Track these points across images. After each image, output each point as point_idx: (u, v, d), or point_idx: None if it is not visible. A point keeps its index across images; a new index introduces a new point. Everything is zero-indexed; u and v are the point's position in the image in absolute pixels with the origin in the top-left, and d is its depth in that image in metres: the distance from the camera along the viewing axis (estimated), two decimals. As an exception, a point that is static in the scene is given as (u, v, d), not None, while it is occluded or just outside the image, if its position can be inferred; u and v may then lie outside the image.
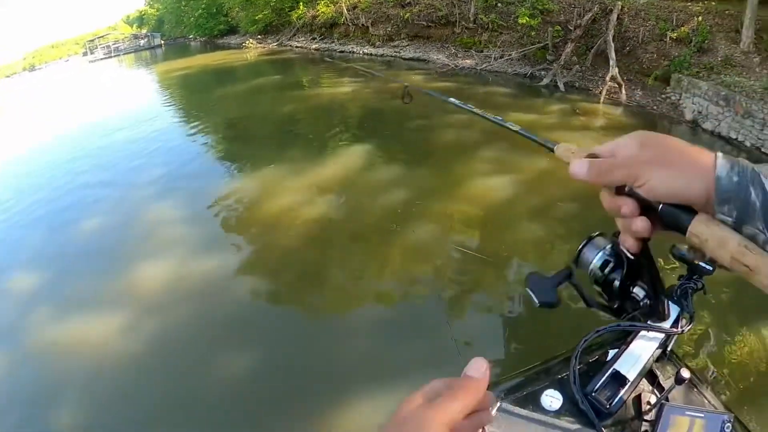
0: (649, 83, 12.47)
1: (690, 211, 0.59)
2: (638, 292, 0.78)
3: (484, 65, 16.35)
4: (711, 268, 1.83)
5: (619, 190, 0.65)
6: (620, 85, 12.20)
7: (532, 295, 0.82)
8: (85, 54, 50.02)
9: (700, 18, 12.62)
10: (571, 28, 14.58)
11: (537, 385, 1.54)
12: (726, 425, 1.30)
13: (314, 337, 4.90)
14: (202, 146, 11.66)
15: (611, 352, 1.61)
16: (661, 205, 0.61)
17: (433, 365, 4.12)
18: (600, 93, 12.31)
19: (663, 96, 11.90)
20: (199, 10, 37.22)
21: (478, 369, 0.54)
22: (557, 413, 1.45)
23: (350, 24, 23.25)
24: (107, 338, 5.10)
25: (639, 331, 1.63)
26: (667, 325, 1.59)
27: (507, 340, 4.75)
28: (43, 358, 5.06)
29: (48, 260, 7.04)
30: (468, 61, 17.14)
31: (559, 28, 15.00)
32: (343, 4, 23.10)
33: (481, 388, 0.53)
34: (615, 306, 0.83)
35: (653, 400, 1.51)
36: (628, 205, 0.63)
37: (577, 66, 14.03)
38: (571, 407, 1.46)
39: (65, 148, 13.12)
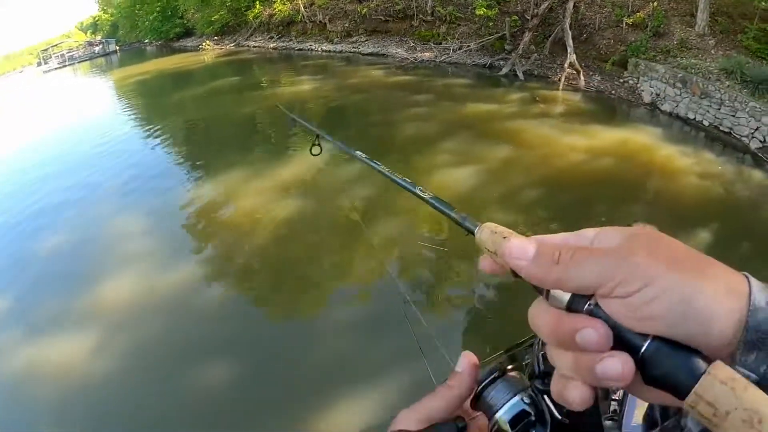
0: (606, 69, 12.47)
1: (698, 355, 0.32)
2: None
3: (443, 57, 16.19)
4: None
5: (573, 306, 0.37)
6: (578, 72, 12.17)
7: None
8: (39, 64, 48.31)
9: (655, 3, 12.71)
10: (528, 18, 14.49)
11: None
12: None
13: (286, 341, 4.76)
14: (162, 153, 11.22)
15: None
16: (648, 341, 0.34)
17: (399, 363, 3.95)
18: (559, 80, 12.25)
19: (621, 80, 11.91)
20: (153, 13, 36.38)
21: (461, 363, 0.50)
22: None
23: (307, 21, 22.88)
24: (77, 359, 4.82)
25: None
26: None
27: (471, 331, 4.62)
28: (9, 385, 4.76)
29: (8, 281, 6.58)
30: (427, 53, 16.96)
31: (516, 17, 14.95)
32: (300, 2, 22.73)
33: (464, 383, 0.49)
34: None
35: None
36: (598, 328, 0.35)
37: (536, 54, 13.97)
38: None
39: (21, 164, 12.43)
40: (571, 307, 0.36)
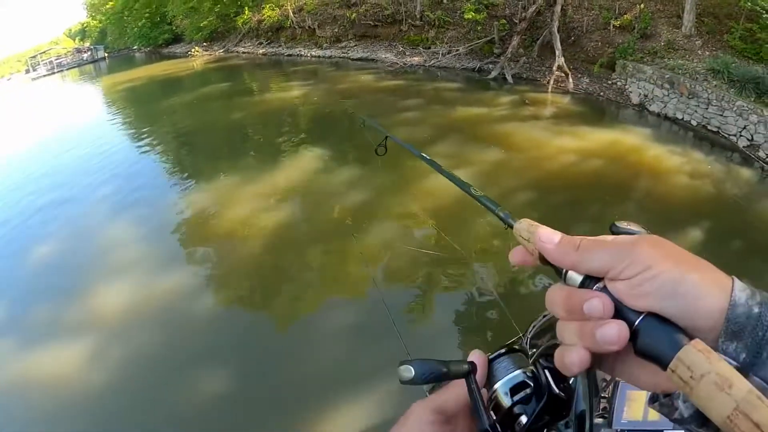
0: (595, 71, 12.55)
1: (682, 332, 0.38)
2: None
3: (432, 62, 16.23)
4: None
5: (585, 285, 0.45)
6: (567, 74, 12.25)
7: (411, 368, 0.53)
8: (27, 71, 47.90)
9: (642, 5, 12.79)
10: (517, 21, 14.57)
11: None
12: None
13: (281, 346, 4.74)
14: (153, 160, 11.11)
15: None
16: (642, 316, 0.40)
17: (390, 368, 3.87)
18: (547, 83, 12.33)
19: (609, 82, 11.99)
20: (142, 19, 36.29)
21: (471, 358, 0.56)
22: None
23: (297, 27, 22.87)
24: (70, 368, 4.74)
25: None
26: None
27: (460, 334, 4.64)
28: (6, 394, 4.67)
29: (0, 290, 6.48)
30: (416, 58, 16.99)
31: (505, 21, 15.01)
32: (289, 7, 22.73)
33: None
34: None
35: (608, 377, 1.45)
36: (603, 299, 0.42)
37: (524, 58, 14.04)
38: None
39: (11, 172, 12.31)
40: (583, 286, 0.44)
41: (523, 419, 0.54)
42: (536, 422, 0.54)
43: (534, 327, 1.65)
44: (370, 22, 19.28)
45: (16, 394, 4.62)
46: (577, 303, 0.43)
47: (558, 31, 13.04)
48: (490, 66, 14.45)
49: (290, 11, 22.65)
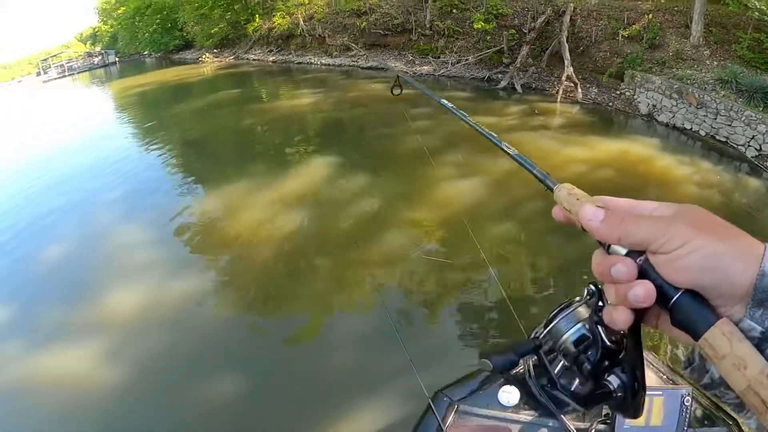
0: (603, 81, 12.67)
1: (712, 311, 0.45)
2: (613, 380, 0.62)
3: (441, 71, 16.39)
4: None
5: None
6: (576, 84, 12.36)
7: (489, 362, 0.70)
8: (38, 74, 48.42)
9: (650, 15, 12.90)
10: (526, 31, 14.74)
11: (493, 383, 1.56)
12: (686, 398, 1.36)
13: (292, 354, 4.77)
14: (164, 165, 11.17)
15: None
16: (679, 293, 0.46)
17: (400, 378, 3.89)
18: (556, 92, 12.45)
19: (618, 92, 12.10)
20: (153, 25, 36.69)
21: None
22: (516, 408, 1.47)
23: (307, 35, 23.09)
24: (81, 370, 4.77)
25: None
26: None
27: (463, 341, 4.69)
28: (12, 395, 4.69)
29: (12, 291, 6.51)
30: (426, 67, 17.16)
31: (514, 31, 15.15)
32: (299, 16, 22.96)
33: None
34: (583, 394, 0.67)
35: None
36: (625, 263, 0.49)
37: (533, 67, 14.17)
38: (529, 400, 1.49)
39: (22, 173, 12.40)
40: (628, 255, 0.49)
41: (587, 366, 0.65)
42: (598, 367, 0.64)
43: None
44: (380, 31, 19.46)
45: (27, 394, 4.65)
46: (607, 268, 0.49)
47: (567, 41, 13.19)
48: (499, 76, 14.59)
49: (301, 19, 22.87)
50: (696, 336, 0.45)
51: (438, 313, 5.15)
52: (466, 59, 16.02)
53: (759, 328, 0.43)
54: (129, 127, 16.40)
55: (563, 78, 12.44)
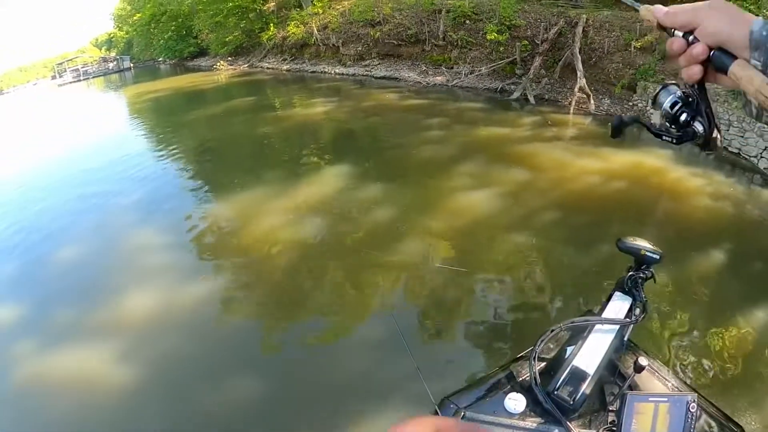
0: (616, 92, 12.77)
1: (733, 57, 0.74)
2: (698, 126, 0.90)
3: (455, 81, 16.55)
4: (657, 257, 1.83)
5: (684, 37, 0.79)
6: (588, 96, 12.47)
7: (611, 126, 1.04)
8: (53, 77, 49.26)
9: (662, 28, 12.97)
10: (538, 43, 14.89)
11: (499, 390, 1.58)
12: (691, 405, 1.34)
13: (308, 360, 4.78)
14: (180, 171, 11.38)
15: (569, 349, 1.66)
16: (713, 52, 0.75)
17: (408, 385, 3.87)
18: (569, 104, 12.58)
19: (630, 104, 12.20)
20: (168, 32, 37.19)
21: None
22: (522, 415, 1.49)
23: (321, 44, 23.37)
24: (98, 371, 4.81)
25: (594, 326, 1.70)
26: (621, 316, 1.73)
27: (469, 349, 4.75)
28: (27, 397, 4.71)
29: (26, 292, 6.58)
30: (439, 77, 17.34)
31: (527, 42, 15.31)
32: (314, 25, 23.23)
33: None
34: (678, 134, 0.95)
35: (616, 390, 1.55)
36: (674, 40, 0.79)
37: (546, 79, 14.31)
38: (535, 407, 1.51)
39: (37, 175, 12.65)
40: (685, 38, 0.78)
41: (682, 118, 0.91)
42: (687, 119, 0.91)
43: (543, 341, 1.68)
44: (394, 42, 19.66)
45: (41, 395, 4.67)
46: (671, 45, 0.80)
47: (579, 53, 13.31)
48: (512, 86, 14.73)
49: (315, 29, 23.14)
50: (725, 72, 0.74)
51: (449, 321, 5.21)
52: (479, 70, 16.19)
53: (759, 64, 0.71)
54: (145, 132, 16.66)
55: (576, 89, 12.56)
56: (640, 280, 1.84)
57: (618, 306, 1.79)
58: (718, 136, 0.94)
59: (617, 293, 1.86)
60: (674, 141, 0.97)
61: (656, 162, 8.93)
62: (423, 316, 5.24)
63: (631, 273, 1.87)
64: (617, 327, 1.69)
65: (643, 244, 1.87)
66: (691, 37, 0.77)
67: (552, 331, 1.68)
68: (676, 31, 0.80)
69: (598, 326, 1.69)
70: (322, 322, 5.40)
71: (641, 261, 1.88)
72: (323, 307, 5.58)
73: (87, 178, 11.43)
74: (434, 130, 11.21)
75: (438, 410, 1.54)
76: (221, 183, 10.05)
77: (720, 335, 4.44)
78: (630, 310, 1.76)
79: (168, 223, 8.17)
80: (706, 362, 4.13)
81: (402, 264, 6.10)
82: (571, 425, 1.44)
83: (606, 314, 1.75)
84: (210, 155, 12.60)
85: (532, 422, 1.46)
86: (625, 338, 1.73)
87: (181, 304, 5.80)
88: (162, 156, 12.60)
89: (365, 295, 5.77)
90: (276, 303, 5.77)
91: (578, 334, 1.72)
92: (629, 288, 1.83)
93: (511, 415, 1.48)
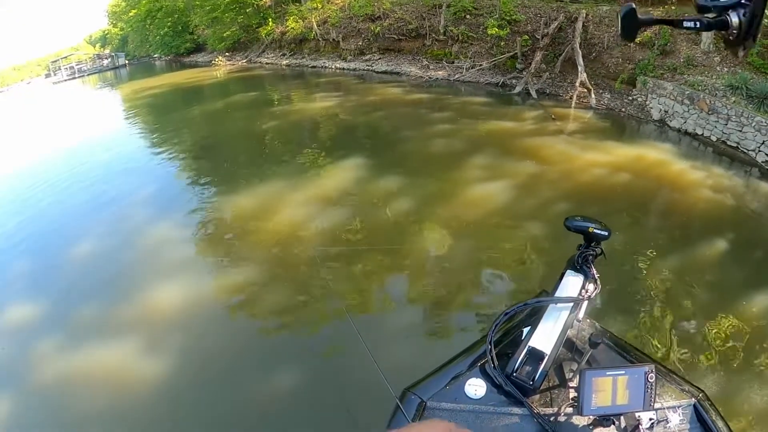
0: (616, 87, 13.03)
1: None
2: (733, 17, 0.86)
3: (456, 76, 16.77)
4: (606, 234, 1.93)
5: None
6: (589, 90, 12.72)
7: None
8: (48, 75, 48.69)
9: (660, 23, 13.20)
10: (539, 37, 15.10)
11: (459, 377, 1.58)
12: (649, 375, 1.36)
13: (338, 352, 4.74)
14: (190, 166, 11.40)
15: (525, 331, 1.69)
16: None
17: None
18: (570, 98, 12.83)
19: (630, 98, 12.46)
20: (164, 28, 37.09)
21: None
22: (484, 399, 1.50)
23: (320, 39, 23.47)
24: (125, 366, 4.86)
25: (548, 306, 1.72)
26: (574, 294, 1.75)
27: (424, 337, 4.85)
28: (57, 393, 4.72)
29: (45, 288, 6.59)
30: (440, 72, 17.55)
31: (527, 37, 15.51)
32: (313, 20, 23.30)
33: None
34: (709, 21, 0.90)
35: (575, 367, 1.58)
36: None
37: (547, 73, 14.54)
38: (496, 391, 1.52)
39: (42, 172, 12.56)
40: None
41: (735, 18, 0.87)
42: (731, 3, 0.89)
43: (497, 325, 1.66)
44: (394, 36, 19.84)
45: (73, 390, 4.67)
46: None
47: (579, 47, 13.54)
48: (514, 81, 14.99)
49: (314, 23, 23.24)
50: None
51: (450, 311, 5.32)
52: (480, 64, 16.41)
53: None
54: (148, 129, 16.63)
55: (577, 84, 12.80)
56: (590, 258, 1.87)
57: (570, 284, 1.80)
58: (751, 42, 0.87)
59: (569, 271, 1.87)
60: (701, 26, 0.90)
61: (657, 155, 9.22)
62: (377, 308, 5.42)
63: (581, 251, 1.90)
64: (571, 305, 1.70)
65: (591, 222, 1.89)
66: None
67: (506, 314, 1.69)
68: None
69: (552, 306, 1.70)
70: (341, 320, 5.34)
71: (590, 238, 1.90)
72: (334, 302, 5.62)
73: (93, 175, 11.41)
74: (441, 124, 11.39)
75: (399, 403, 1.51)
76: (233, 177, 10.11)
77: (714, 321, 4.66)
78: (582, 287, 1.78)
79: (184, 218, 8.21)
80: (659, 331, 4.41)
81: (408, 257, 6.29)
82: (533, 405, 1.45)
83: (559, 293, 1.76)
84: (218, 150, 12.63)
85: (494, 406, 1.47)
86: (580, 315, 1.74)
87: (205, 296, 5.91)
88: (168, 152, 12.65)
89: (376, 285, 5.93)
90: (309, 294, 5.80)
91: (533, 315, 1.73)
92: (580, 266, 1.86)
93: (472, 400, 1.49)
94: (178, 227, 7.88)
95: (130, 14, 42.26)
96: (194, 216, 8.20)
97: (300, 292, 5.81)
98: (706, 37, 12.07)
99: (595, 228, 1.87)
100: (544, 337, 1.60)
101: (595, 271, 1.85)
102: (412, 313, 5.36)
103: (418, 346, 4.72)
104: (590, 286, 1.78)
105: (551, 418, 1.43)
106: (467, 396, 1.50)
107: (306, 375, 4.49)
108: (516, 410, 1.45)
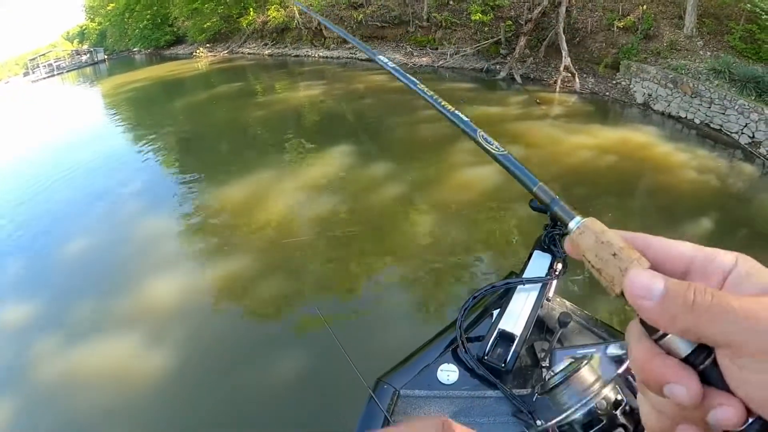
0: (600, 71, 13.06)
1: None
2: None
3: (440, 62, 16.73)
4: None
5: (691, 359, 0.34)
6: (573, 75, 12.74)
7: None
8: (26, 74, 47.44)
9: (644, 6, 13.28)
10: (523, 23, 15.05)
11: (431, 363, 1.55)
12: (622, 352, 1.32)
13: (337, 341, 4.75)
14: (177, 159, 11.30)
15: (495, 313, 1.66)
16: (751, 421, 0.31)
17: None
18: (555, 83, 12.84)
19: (614, 82, 12.50)
20: (143, 21, 36.40)
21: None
22: (457, 384, 1.47)
23: (302, 28, 23.25)
24: (123, 362, 4.81)
25: (516, 287, 1.70)
26: (542, 274, 1.72)
27: (398, 326, 4.83)
28: (58, 391, 4.63)
29: (39, 286, 6.46)
30: (424, 59, 17.48)
31: (511, 22, 15.50)
32: (295, 8, 23.07)
33: None
34: None
35: (546, 347, 1.55)
36: (690, 385, 0.32)
37: (531, 58, 14.53)
38: (468, 375, 1.50)
39: (27, 171, 12.39)
40: (688, 359, 0.33)
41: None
42: None
43: (465, 309, 1.63)
44: (377, 23, 19.69)
45: (69, 389, 4.62)
46: (657, 375, 0.33)
47: (563, 32, 13.51)
48: (498, 66, 14.97)
49: (296, 12, 22.98)
50: None
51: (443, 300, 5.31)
52: (465, 51, 16.36)
53: None
54: (131, 124, 16.25)
55: (561, 68, 12.81)
56: (557, 237, 1.83)
57: (538, 264, 1.77)
58: None
59: (537, 252, 1.84)
60: None
61: (642, 138, 9.27)
62: (346, 300, 5.40)
63: (548, 231, 1.86)
64: (539, 285, 1.69)
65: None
66: (704, 363, 0.33)
67: (474, 298, 1.67)
68: (673, 338, 0.34)
69: (520, 287, 1.69)
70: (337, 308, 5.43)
71: (556, 218, 1.89)
72: (340, 288, 5.67)
73: (79, 173, 11.16)
74: (427, 110, 11.30)
75: (373, 393, 1.48)
76: (221, 168, 10.01)
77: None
78: (551, 266, 1.75)
79: (175, 211, 8.13)
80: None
81: (392, 246, 6.29)
82: (507, 387, 1.43)
83: (527, 274, 1.74)
84: (204, 142, 12.47)
85: (468, 390, 1.46)
86: (550, 294, 1.74)
87: (200, 288, 5.85)
88: (152, 146, 12.42)
89: (369, 273, 5.93)
90: (305, 284, 5.82)
91: (502, 297, 1.72)
92: (548, 245, 1.83)
93: (446, 386, 1.47)
94: (167, 219, 7.81)
95: (108, 8, 41.47)
96: (182, 208, 8.13)
97: (277, 283, 5.79)
98: (689, 21, 12.14)
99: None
100: (514, 318, 1.59)
101: (562, 251, 1.78)
102: (394, 297, 5.40)
103: (400, 331, 4.71)
104: (558, 266, 1.75)
105: (525, 399, 1.41)
106: (440, 382, 1.48)
107: (282, 371, 4.46)
108: (490, 393, 1.44)
